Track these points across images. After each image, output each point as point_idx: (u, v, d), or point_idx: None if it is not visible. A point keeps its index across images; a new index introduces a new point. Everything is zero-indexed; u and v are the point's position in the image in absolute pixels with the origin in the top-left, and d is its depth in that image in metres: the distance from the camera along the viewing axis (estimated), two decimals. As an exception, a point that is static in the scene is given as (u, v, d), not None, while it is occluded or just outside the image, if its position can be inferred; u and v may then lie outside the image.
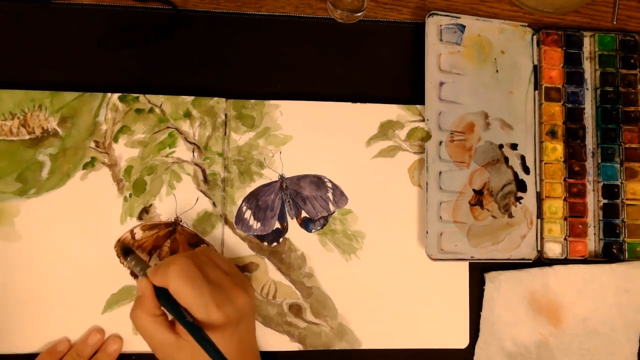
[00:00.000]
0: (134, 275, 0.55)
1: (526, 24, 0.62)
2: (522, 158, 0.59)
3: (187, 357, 0.46)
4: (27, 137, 0.55)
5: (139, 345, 0.54)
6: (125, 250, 0.54)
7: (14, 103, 0.56)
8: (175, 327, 0.46)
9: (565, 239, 0.59)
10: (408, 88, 0.61)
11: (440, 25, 0.60)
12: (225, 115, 0.58)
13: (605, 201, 0.59)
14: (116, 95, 0.56)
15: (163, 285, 0.46)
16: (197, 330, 0.44)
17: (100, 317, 0.54)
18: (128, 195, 0.56)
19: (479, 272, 0.59)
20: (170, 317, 0.47)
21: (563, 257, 0.58)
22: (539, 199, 0.59)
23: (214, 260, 0.50)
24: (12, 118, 0.55)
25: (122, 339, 0.54)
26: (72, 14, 0.59)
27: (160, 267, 0.47)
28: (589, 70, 0.62)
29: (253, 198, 0.57)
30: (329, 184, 0.58)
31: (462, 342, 0.57)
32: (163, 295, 0.46)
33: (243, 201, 0.57)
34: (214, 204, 0.56)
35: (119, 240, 0.55)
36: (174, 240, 0.56)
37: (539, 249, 0.59)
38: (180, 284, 0.45)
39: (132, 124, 0.56)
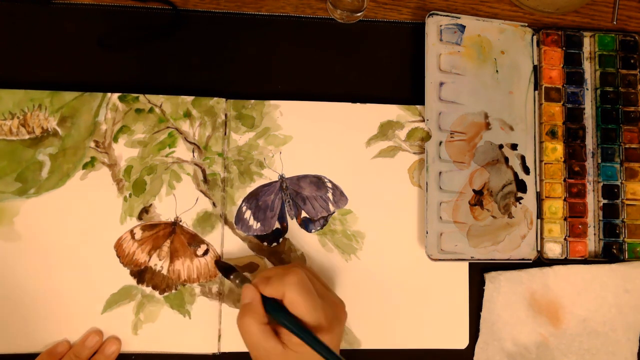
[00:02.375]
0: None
1: (526, 24, 0.62)
2: (522, 158, 0.59)
3: None
4: (27, 136, 0.55)
5: (138, 345, 0.54)
6: (226, 269, 0.53)
7: (14, 103, 0.56)
8: (280, 337, 0.46)
9: (565, 239, 0.59)
10: (408, 88, 0.61)
11: (440, 26, 0.60)
12: (225, 115, 0.58)
13: (605, 201, 0.59)
14: (116, 95, 0.56)
15: (277, 295, 0.47)
16: (313, 337, 0.45)
17: (100, 317, 0.54)
18: (128, 195, 0.56)
19: (479, 272, 0.59)
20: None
21: (563, 258, 0.58)
22: (539, 199, 0.59)
23: (314, 274, 0.51)
24: (12, 118, 0.55)
25: (121, 341, 0.54)
26: (72, 14, 0.59)
27: (273, 277, 0.47)
28: (589, 70, 0.62)
29: (253, 198, 0.57)
30: (329, 184, 0.58)
31: (462, 342, 0.57)
32: (273, 306, 0.47)
33: (243, 201, 0.57)
34: (213, 204, 0.56)
35: (217, 261, 0.55)
36: (174, 240, 0.56)
37: (539, 249, 0.59)
38: (297, 295, 0.45)
39: (132, 123, 0.56)
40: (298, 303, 0.46)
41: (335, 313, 0.49)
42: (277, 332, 0.47)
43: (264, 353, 0.46)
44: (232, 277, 0.52)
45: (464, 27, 0.60)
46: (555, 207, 0.59)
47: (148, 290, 0.55)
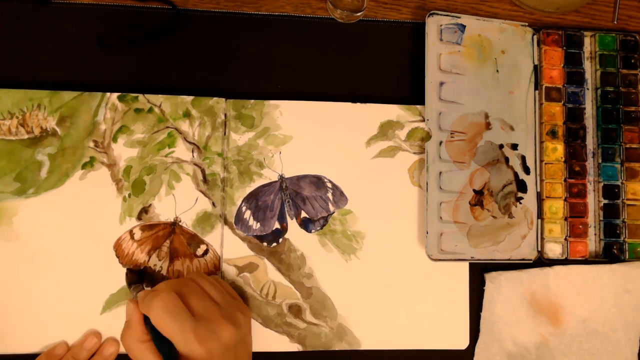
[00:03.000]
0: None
1: (526, 24, 0.62)
2: (523, 158, 0.59)
3: None
4: (26, 136, 0.55)
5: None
6: (132, 280, 0.54)
7: (13, 102, 0.55)
8: None
9: (565, 239, 0.58)
10: (408, 88, 0.61)
11: (441, 25, 0.60)
12: (225, 115, 0.57)
13: (606, 201, 0.59)
14: (115, 95, 0.56)
15: (147, 315, 0.47)
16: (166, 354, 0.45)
17: (99, 317, 0.54)
18: (127, 195, 0.55)
19: (479, 272, 0.58)
20: None
21: (563, 258, 0.58)
22: (540, 199, 0.59)
23: (205, 287, 0.50)
24: (11, 117, 0.55)
25: (119, 342, 0.54)
26: (72, 13, 0.59)
27: (147, 297, 0.47)
28: (590, 70, 0.62)
29: (253, 198, 0.57)
30: (329, 184, 0.58)
31: (462, 343, 0.57)
32: (148, 322, 0.47)
33: (243, 201, 0.57)
34: (213, 204, 0.56)
35: (128, 269, 0.55)
36: (174, 240, 0.56)
37: (539, 249, 0.58)
38: (162, 318, 0.45)
39: (131, 123, 0.56)
40: (164, 326, 0.45)
41: (214, 332, 0.46)
42: None
43: None
44: (131, 288, 0.53)
45: (464, 26, 0.60)
46: (556, 207, 0.59)
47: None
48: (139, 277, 0.54)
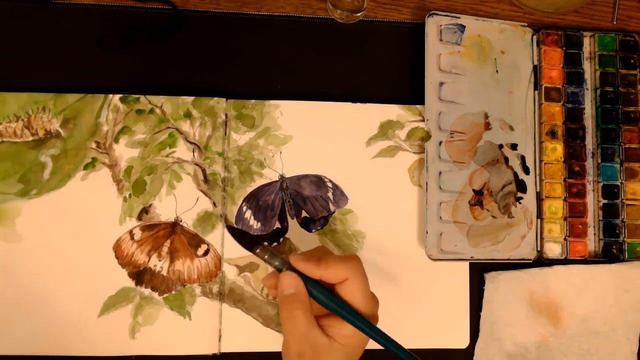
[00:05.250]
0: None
1: (526, 24, 0.62)
2: (522, 158, 0.60)
3: (340, 359, 0.44)
4: (31, 138, 0.56)
5: (136, 350, 0.54)
6: (250, 243, 0.46)
7: (19, 105, 0.56)
8: (324, 328, 0.43)
9: (565, 239, 0.59)
10: (408, 88, 0.61)
11: (440, 25, 0.60)
12: (226, 115, 0.58)
13: (605, 201, 0.59)
14: (117, 97, 0.56)
15: (336, 278, 0.43)
16: (376, 328, 0.43)
17: (97, 320, 0.54)
18: (127, 196, 0.56)
19: (479, 272, 0.59)
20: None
21: (563, 257, 0.58)
22: (539, 199, 0.59)
23: None
24: (17, 120, 0.55)
25: None
26: (72, 14, 0.59)
27: (330, 260, 0.43)
28: (589, 70, 0.62)
29: (253, 198, 0.57)
30: (329, 184, 0.58)
31: (462, 342, 0.57)
32: (323, 292, 0.43)
33: (243, 201, 0.57)
34: (214, 203, 0.56)
35: (233, 228, 0.49)
36: (174, 240, 0.56)
37: (538, 249, 0.59)
38: (361, 282, 0.43)
39: (132, 124, 0.56)
40: (360, 290, 0.43)
41: (376, 302, 0.46)
42: (319, 324, 0.44)
43: (310, 347, 0.43)
44: (258, 251, 0.45)
45: (464, 27, 0.60)
46: (555, 207, 0.59)
47: (147, 291, 0.55)
48: (255, 238, 0.49)
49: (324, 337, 0.43)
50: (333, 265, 0.43)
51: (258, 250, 0.45)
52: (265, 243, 0.50)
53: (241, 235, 0.47)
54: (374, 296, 0.45)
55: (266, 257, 0.45)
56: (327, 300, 0.43)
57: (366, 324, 0.43)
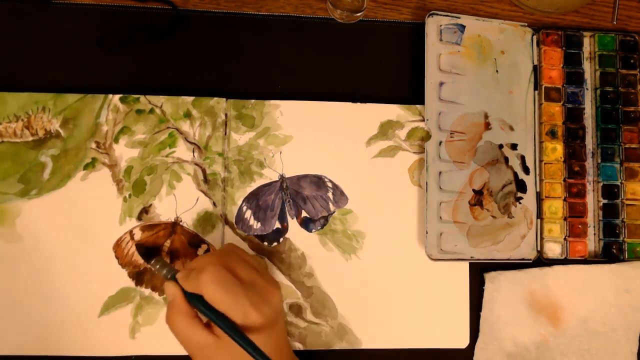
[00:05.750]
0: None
1: (526, 24, 0.62)
2: (522, 158, 0.60)
3: (227, 357, 0.46)
4: (31, 138, 0.56)
5: (137, 348, 0.54)
6: (148, 252, 0.53)
7: (19, 105, 0.56)
8: (212, 328, 0.46)
9: (565, 239, 0.59)
10: (408, 88, 0.61)
11: (440, 25, 0.60)
12: (226, 115, 0.58)
13: (605, 201, 0.59)
14: (117, 97, 0.56)
15: (196, 291, 0.46)
16: (237, 332, 0.44)
17: (97, 320, 0.54)
18: (127, 196, 0.56)
19: (479, 272, 0.59)
20: (204, 318, 0.47)
21: (563, 257, 0.58)
22: (539, 199, 0.59)
23: (244, 257, 0.50)
24: (17, 120, 0.55)
25: None
26: (72, 14, 0.59)
27: (191, 274, 0.46)
28: (589, 70, 0.62)
29: (253, 198, 0.57)
30: (329, 184, 0.58)
31: (462, 342, 0.57)
32: (196, 300, 0.46)
33: (243, 201, 0.57)
34: (214, 203, 0.56)
35: (139, 244, 0.55)
36: (174, 240, 0.56)
37: (538, 249, 0.59)
38: (215, 291, 0.44)
39: (132, 124, 0.56)
40: (217, 299, 0.44)
41: (264, 297, 0.47)
42: (210, 324, 0.46)
43: (197, 347, 0.46)
44: (152, 262, 0.50)
45: (464, 27, 0.60)
46: (555, 207, 0.59)
47: (147, 292, 0.55)
48: (153, 251, 0.53)
49: (209, 336, 0.45)
50: (189, 280, 0.46)
51: (152, 261, 0.49)
52: (161, 256, 0.53)
53: (139, 247, 0.53)
54: (248, 294, 0.46)
55: (157, 267, 0.49)
56: (198, 307, 0.46)
57: (226, 327, 0.44)
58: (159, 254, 0.51)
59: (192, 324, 0.46)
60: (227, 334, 0.44)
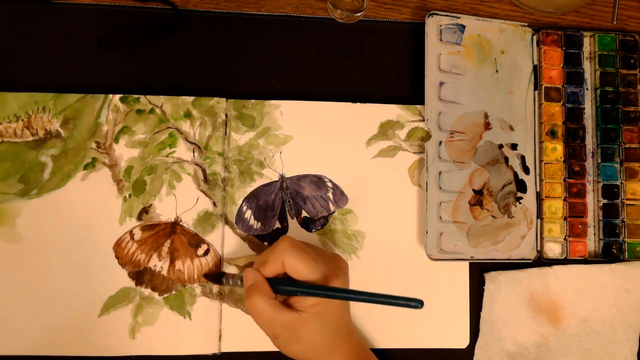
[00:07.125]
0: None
1: (526, 24, 0.62)
2: (522, 158, 0.60)
3: (315, 329, 0.47)
4: (31, 138, 0.56)
5: (137, 348, 0.54)
6: (217, 278, 0.54)
7: (19, 105, 0.56)
8: (293, 307, 0.47)
9: (565, 239, 0.59)
10: (408, 88, 0.61)
11: (440, 25, 0.60)
12: (226, 115, 0.58)
13: (605, 201, 0.59)
14: (117, 97, 0.57)
15: (277, 268, 0.47)
16: (330, 287, 0.46)
17: (97, 320, 0.54)
18: (127, 196, 0.56)
19: (479, 272, 0.59)
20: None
21: (563, 257, 0.58)
22: (539, 199, 0.59)
23: (304, 242, 0.51)
24: (17, 120, 0.56)
25: None
26: (72, 14, 0.59)
27: (264, 254, 0.48)
28: (589, 70, 0.62)
29: (253, 198, 0.57)
30: (329, 184, 0.58)
31: (462, 342, 0.58)
32: (279, 282, 0.47)
33: (243, 201, 0.57)
34: (214, 203, 0.56)
35: (207, 274, 0.55)
36: (174, 240, 0.56)
37: (538, 249, 0.59)
38: (294, 257, 0.46)
39: (132, 124, 0.56)
40: (297, 264, 0.46)
41: (336, 263, 0.50)
42: (288, 305, 0.47)
43: (281, 327, 0.47)
44: (224, 280, 0.52)
45: (464, 27, 0.60)
46: (555, 207, 0.59)
47: (147, 292, 0.55)
48: (219, 274, 0.54)
49: (292, 313, 0.46)
50: (268, 261, 0.48)
51: (223, 280, 0.52)
52: (230, 271, 0.55)
53: (209, 277, 0.55)
54: (323, 259, 0.48)
55: (231, 281, 0.51)
56: (282, 287, 0.47)
57: (319, 288, 0.46)
58: (224, 274, 0.53)
59: (276, 303, 0.47)
60: (328, 295, 0.45)
